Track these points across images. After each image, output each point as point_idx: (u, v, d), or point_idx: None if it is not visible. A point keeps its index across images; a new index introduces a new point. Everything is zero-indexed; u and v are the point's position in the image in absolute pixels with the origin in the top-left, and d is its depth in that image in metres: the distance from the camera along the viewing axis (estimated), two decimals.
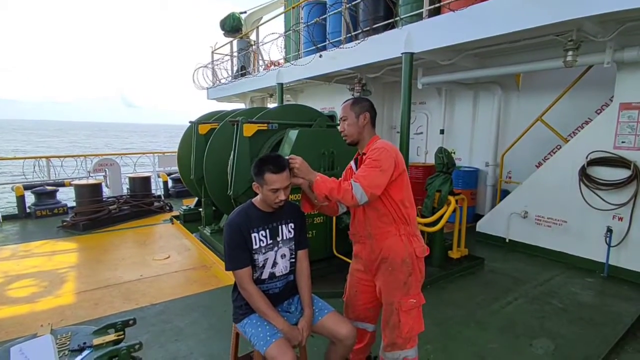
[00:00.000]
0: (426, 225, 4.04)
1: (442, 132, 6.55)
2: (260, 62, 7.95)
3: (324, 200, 1.98)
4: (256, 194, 2.09)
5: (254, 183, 2.01)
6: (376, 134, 2.14)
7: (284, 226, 2.11)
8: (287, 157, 2.00)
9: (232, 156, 3.92)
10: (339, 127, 2.14)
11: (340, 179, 1.96)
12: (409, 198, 2.08)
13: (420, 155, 7.19)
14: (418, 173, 6.52)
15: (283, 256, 2.11)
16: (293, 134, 3.71)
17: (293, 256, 2.15)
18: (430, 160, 6.50)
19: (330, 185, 1.88)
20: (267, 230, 2.06)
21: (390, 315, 2.05)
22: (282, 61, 7.13)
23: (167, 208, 6.76)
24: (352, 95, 7.14)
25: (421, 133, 7.11)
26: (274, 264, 2.09)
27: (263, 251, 2.05)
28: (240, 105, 10.30)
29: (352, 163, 2.21)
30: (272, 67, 7.32)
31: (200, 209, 5.59)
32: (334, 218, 3.77)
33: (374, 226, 2.08)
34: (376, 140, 2.08)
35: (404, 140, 4.20)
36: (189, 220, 5.99)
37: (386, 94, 7.66)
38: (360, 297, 2.20)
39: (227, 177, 4.09)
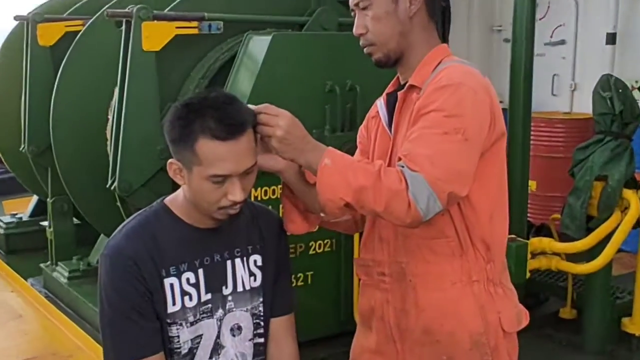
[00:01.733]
0: (570, 257, 4.07)
1: (611, 39, 6.52)
2: None
3: (340, 212, 2.00)
4: (174, 187, 2.13)
5: (170, 161, 2.03)
6: (441, 41, 2.18)
7: (238, 261, 2.15)
8: (254, 108, 2.00)
9: (115, 98, 3.92)
10: (354, 27, 2.17)
11: (378, 162, 1.97)
12: (502, 200, 2.15)
13: (559, 94, 7.18)
14: (553, 135, 6.52)
15: (236, 330, 2.15)
16: (259, 44, 3.73)
17: (260, 330, 2.20)
18: (583, 105, 6.50)
19: (360, 182, 1.88)
20: (200, 271, 2.09)
21: None
22: None
23: None
24: None
25: (561, 42, 7.08)
26: (217, 347, 2.13)
27: (190, 318, 2.08)
28: None
29: (378, 105, 2.26)
30: None
31: (45, 223, 5.65)
32: (355, 239, 3.78)
33: (413, 254, 2.14)
34: (447, 60, 2.12)
35: (521, 60, 4.21)
36: (18, 249, 6.08)
37: None
38: None
39: (106, 147, 4.09)
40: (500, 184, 2.13)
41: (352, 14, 2.18)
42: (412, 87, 2.09)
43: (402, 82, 2.18)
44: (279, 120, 1.95)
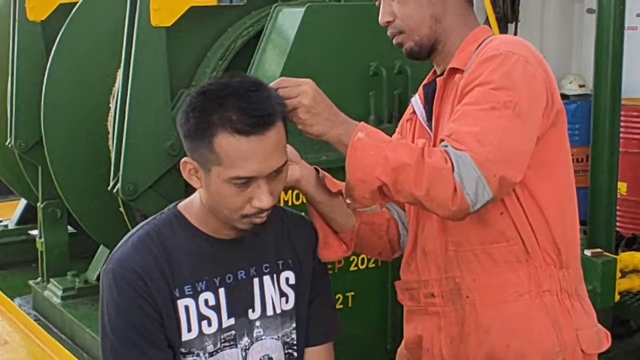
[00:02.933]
0: None
1: None
2: None
3: (370, 197, 2.03)
4: (187, 190, 2.19)
5: (184, 160, 2.06)
6: (479, 22, 2.29)
7: (267, 279, 2.18)
8: (274, 84, 2.06)
9: (118, 83, 3.95)
10: (380, 16, 2.25)
11: (420, 141, 2.04)
12: (571, 193, 2.20)
13: None
14: None
15: None
16: (290, 18, 3.74)
17: None
18: None
19: (400, 158, 1.92)
20: (222, 291, 2.12)
21: None
22: None
23: None
24: None
25: None
26: None
27: (209, 347, 2.10)
28: None
29: (413, 103, 2.35)
30: None
31: (34, 232, 5.70)
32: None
33: (469, 265, 2.17)
34: (488, 38, 2.18)
35: (609, 35, 4.19)
36: (3, 263, 6.12)
37: None
38: None
39: (107, 142, 4.14)
40: (568, 175, 2.18)
41: (377, 3, 2.26)
42: (453, 70, 2.15)
43: (438, 70, 2.27)
44: (303, 87, 2.02)
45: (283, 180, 2.05)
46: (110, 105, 4.19)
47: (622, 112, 4.48)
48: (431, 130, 2.21)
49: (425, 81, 2.35)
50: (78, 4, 4.55)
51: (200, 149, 1.96)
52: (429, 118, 2.23)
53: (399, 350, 2.50)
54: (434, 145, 2.12)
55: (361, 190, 1.96)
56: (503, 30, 7.08)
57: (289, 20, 3.72)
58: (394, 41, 2.26)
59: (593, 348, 2.16)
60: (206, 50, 3.97)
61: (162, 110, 3.76)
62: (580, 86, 7.00)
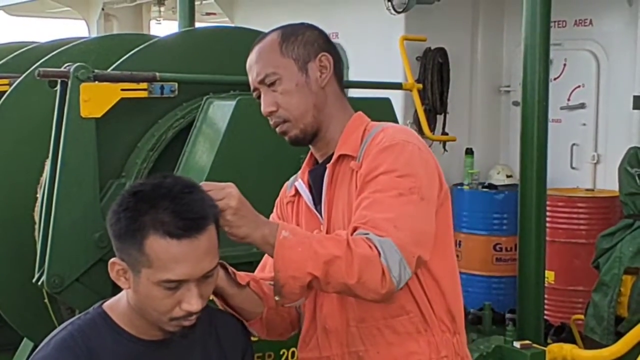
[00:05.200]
0: None
1: (638, 103, 6.61)
2: None
3: (300, 292, 2.07)
4: (114, 290, 2.14)
5: (112, 261, 2.03)
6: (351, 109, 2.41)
7: None
8: (202, 184, 2.05)
9: (46, 173, 3.92)
10: (262, 106, 2.32)
11: (342, 231, 2.11)
12: (453, 267, 2.38)
13: (579, 167, 7.28)
14: (573, 217, 6.56)
15: None
16: (221, 110, 3.78)
17: None
18: (608, 181, 6.60)
19: (330, 251, 1.99)
20: None
21: None
22: None
23: None
24: (388, 8, 7.36)
25: (581, 106, 7.20)
26: None
27: None
28: (80, 30, 10.34)
29: (297, 187, 2.40)
30: None
31: None
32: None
33: (373, 339, 2.24)
34: (373, 125, 2.32)
35: (533, 127, 4.28)
36: None
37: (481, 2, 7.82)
38: None
39: (33, 233, 4.10)
40: (453, 249, 2.36)
41: (255, 94, 2.33)
42: (343, 157, 2.26)
43: (320, 159, 2.35)
44: (228, 190, 2.06)
45: (213, 282, 2.04)
46: (38, 195, 4.14)
47: (548, 202, 4.56)
48: (320, 214, 2.29)
49: (308, 167, 2.41)
50: (7, 92, 4.52)
51: (130, 250, 1.93)
52: (317, 202, 2.31)
53: None
54: (329, 227, 2.24)
55: (291, 286, 2.00)
56: (432, 122, 7.20)
57: (220, 112, 3.75)
58: (277, 130, 2.33)
59: None
60: (137, 141, 3.96)
61: (91, 201, 3.71)
62: (508, 176, 7.12)
